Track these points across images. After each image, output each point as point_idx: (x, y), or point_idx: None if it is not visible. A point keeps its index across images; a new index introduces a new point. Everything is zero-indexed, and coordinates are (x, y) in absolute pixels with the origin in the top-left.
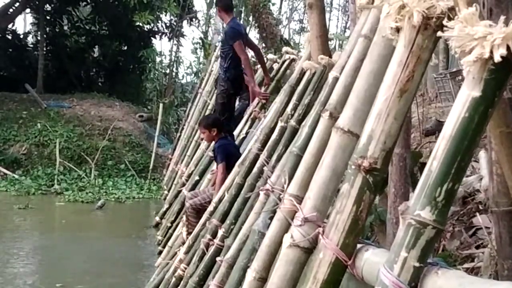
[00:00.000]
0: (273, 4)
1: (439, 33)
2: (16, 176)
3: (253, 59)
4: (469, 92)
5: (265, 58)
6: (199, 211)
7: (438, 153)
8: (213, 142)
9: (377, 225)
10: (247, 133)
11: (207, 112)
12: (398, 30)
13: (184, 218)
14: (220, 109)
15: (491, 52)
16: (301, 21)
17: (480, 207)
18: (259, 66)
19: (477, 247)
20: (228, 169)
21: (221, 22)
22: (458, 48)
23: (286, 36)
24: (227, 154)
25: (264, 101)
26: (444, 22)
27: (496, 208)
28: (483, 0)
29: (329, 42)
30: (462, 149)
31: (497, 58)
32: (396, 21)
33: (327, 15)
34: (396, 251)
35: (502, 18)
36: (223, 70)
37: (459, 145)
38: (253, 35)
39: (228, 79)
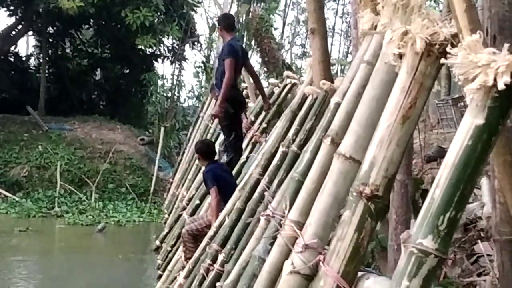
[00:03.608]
0: (275, 29)
1: (442, 60)
2: (17, 199)
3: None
4: (472, 119)
5: (266, 83)
6: (195, 236)
7: (440, 181)
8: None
9: (378, 251)
10: (247, 158)
11: (209, 136)
12: (401, 56)
13: (182, 243)
14: (226, 131)
15: (495, 79)
16: (303, 45)
17: (482, 234)
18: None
19: (479, 275)
20: (219, 193)
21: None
22: (462, 75)
23: (288, 60)
24: (217, 178)
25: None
26: (448, 49)
27: (499, 237)
28: (486, 27)
29: (331, 67)
30: (465, 178)
31: (500, 86)
32: (399, 48)
33: (329, 40)
34: (397, 280)
35: (506, 45)
36: (219, 90)
37: (462, 173)
38: (255, 59)
39: (226, 100)
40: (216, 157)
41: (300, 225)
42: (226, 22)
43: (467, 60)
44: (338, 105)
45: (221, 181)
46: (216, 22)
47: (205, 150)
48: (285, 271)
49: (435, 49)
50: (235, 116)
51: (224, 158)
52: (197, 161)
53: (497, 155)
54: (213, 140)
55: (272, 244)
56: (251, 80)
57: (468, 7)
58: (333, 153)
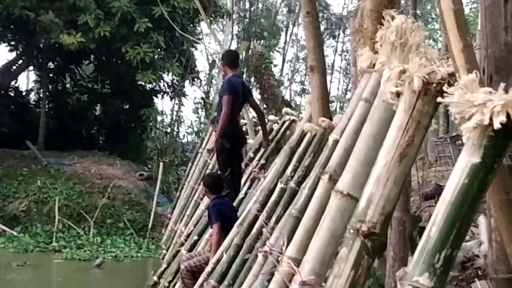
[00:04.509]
0: (275, 66)
1: (439, 99)
2: (15, 233)
3: (254, 119)
4: (468, 158)
5: (266, 120)
6: (194, 273)
7: (437, 219)
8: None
9: None
10: (246, 194)
11: (207, 172)
12: (398, 94)
13: (180, 280)
14: (221, 167)
15: (491, 119)
16: (302, 82)
17: (479, 273)
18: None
19: None
20: (222, 229)
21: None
22: (458, 114)
23: (287, 97)
24: (222, 214)
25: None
26: (444, 88)
27: (495, 276)
28: (483, 67)
29: (330, 104)
30: (461, 216)
31: (496, 125)
32: (397, 86)
33: (328, 77)
34: None
35: (502, 85)
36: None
37: (458, 211)
38: (255, 95)
39: (223, 135)
40: None
41: (298, 261)
42: (230, 59)
43: (464, 99)
44: (336, 142)
45: (226, 218)
46: (217, 59)
47: (212, 183)
48: None
49: (432, 87)
50: (232, 152)
51: None
52: (195, 197)
53: (493, 193)
54: None
55: (269, 280)
56: (251, 116)
57: (465, 46)
58: (331, 190)
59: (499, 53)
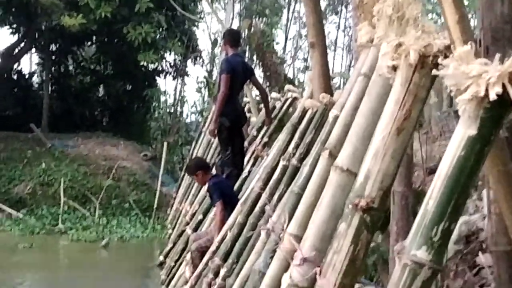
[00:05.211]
0: (277, 43)
1: (434, 72)
2: (21, 216)
3: (257, 98)
4: (464, 130)
5: (269, 98)
6: (203, 253)
7: (434, 192)
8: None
9: (380, 264)
10: (249, 172)
11: (211, 151)
12: (395, 68)
13: (188, 258)
14: (222, 145)
15: (487, 90)
16: (305, 59)
17: (484, 246)
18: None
19: (481, 286)
20: (225, 206)
21: None
22: (453, 86)
23: (290, 75)
24: (223, 192)
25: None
26: (440, 60)
27: (495, 248)
28: (479, 38)
29: (334, 81)
30: (458, 189)
31: (492, 97)
32: (393, 60)
33: (331, 54)
34: None
35: (497, 56)
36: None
37: (455, 184)
38: (257, 73)
39: (222, 114)
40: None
41: (299, 238)
42: (231, 38)
43: (459, 71)
44: (336, 118)
45: (227, 196)
46: (219, 37)
47: (201, 164)
48: (283, 284)
49: (428, 60)
50: (231, 130)
51: (224, 172)
52: None
53: (491, 165)
54: (215, 155)
55: (272, 257)
56: (254, 94)
57: (460, 18)
58: (331, 165)
59: (495, 24)
